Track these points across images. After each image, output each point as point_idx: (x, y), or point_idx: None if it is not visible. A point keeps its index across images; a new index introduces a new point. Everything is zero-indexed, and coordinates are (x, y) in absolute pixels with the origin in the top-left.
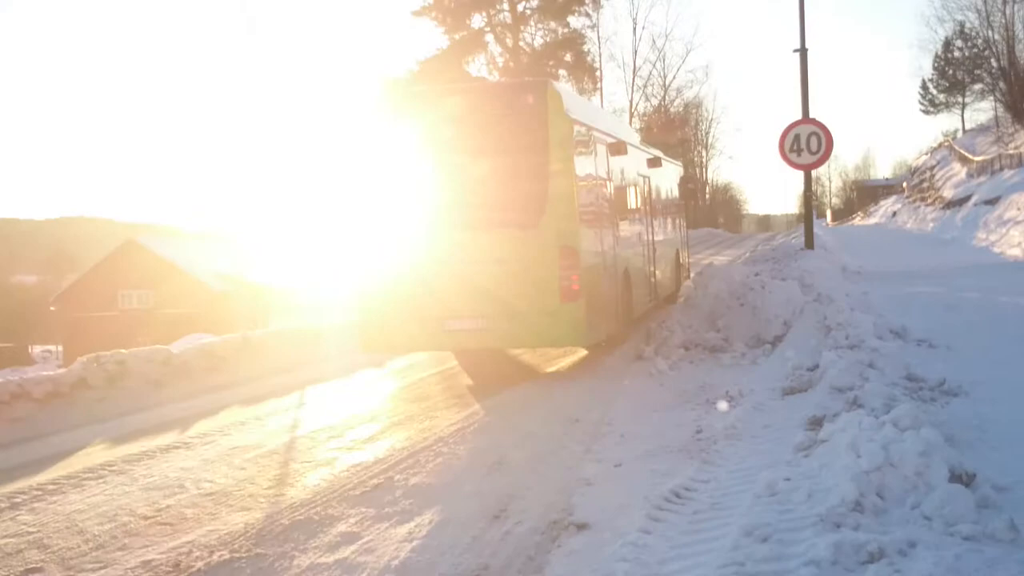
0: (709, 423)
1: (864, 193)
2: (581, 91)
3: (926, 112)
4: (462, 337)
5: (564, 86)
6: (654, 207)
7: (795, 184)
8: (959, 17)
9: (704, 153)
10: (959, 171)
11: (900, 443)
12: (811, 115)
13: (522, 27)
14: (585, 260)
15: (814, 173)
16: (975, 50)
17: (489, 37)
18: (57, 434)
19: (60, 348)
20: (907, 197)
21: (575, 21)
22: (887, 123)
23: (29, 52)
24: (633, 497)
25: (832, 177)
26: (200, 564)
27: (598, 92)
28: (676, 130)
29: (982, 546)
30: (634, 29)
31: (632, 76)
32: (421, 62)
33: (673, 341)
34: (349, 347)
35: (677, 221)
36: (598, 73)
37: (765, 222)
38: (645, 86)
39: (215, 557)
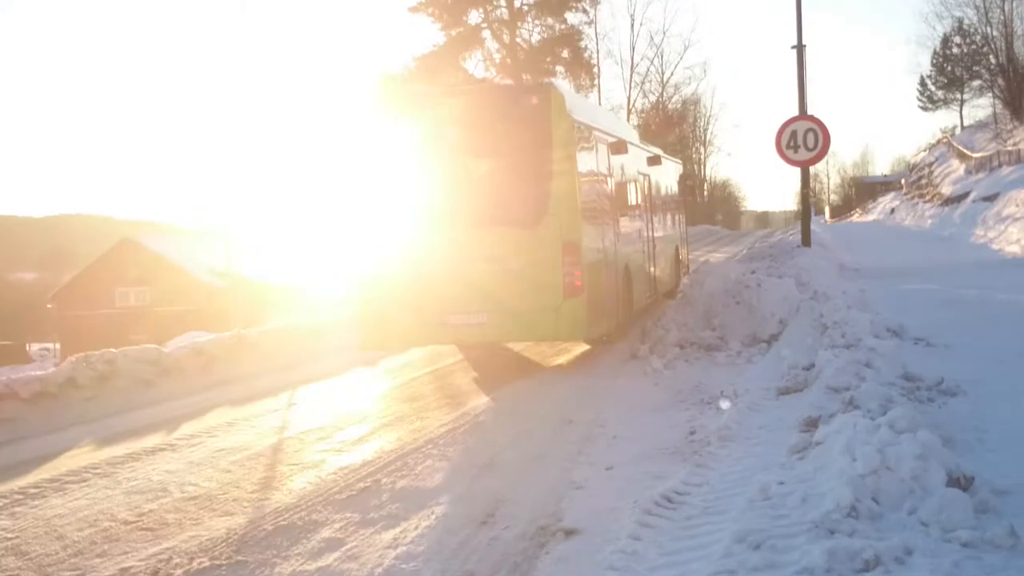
0: (703, 424)
1: (862, 190)
2: (578, 88)
3: (924, 108)
4: (466, 332)
5: (567, 87)
6: (654, 204)
7: (794, 181)
8: (957, 13)
9: (702, 150)
10: (957, 168)
11: (896, 446)
12: (808, 111)
13: (519, 23)
14: (587, 257)
15: (812, 170)
16: (973, 46)
17: (486, 33)
18: (43, 435)
19: (58, 346)
20: (905, 194)
21: (572, 17)
22: (886, 120)
23: (28, 50)
24: (624, 501)
25: (831, 174)
26: (179, 572)
27: (596, 89)
28: (674, 127)
29: (981, 553)
30: (632, 25)
31: (630, 73)
32: (417, 58)
33: (668, 339)
34: (344, 345)
35: (676, 218)
36: (596, 70)
37: (764, 219)
38: (643, 83)
39: (195, 564)
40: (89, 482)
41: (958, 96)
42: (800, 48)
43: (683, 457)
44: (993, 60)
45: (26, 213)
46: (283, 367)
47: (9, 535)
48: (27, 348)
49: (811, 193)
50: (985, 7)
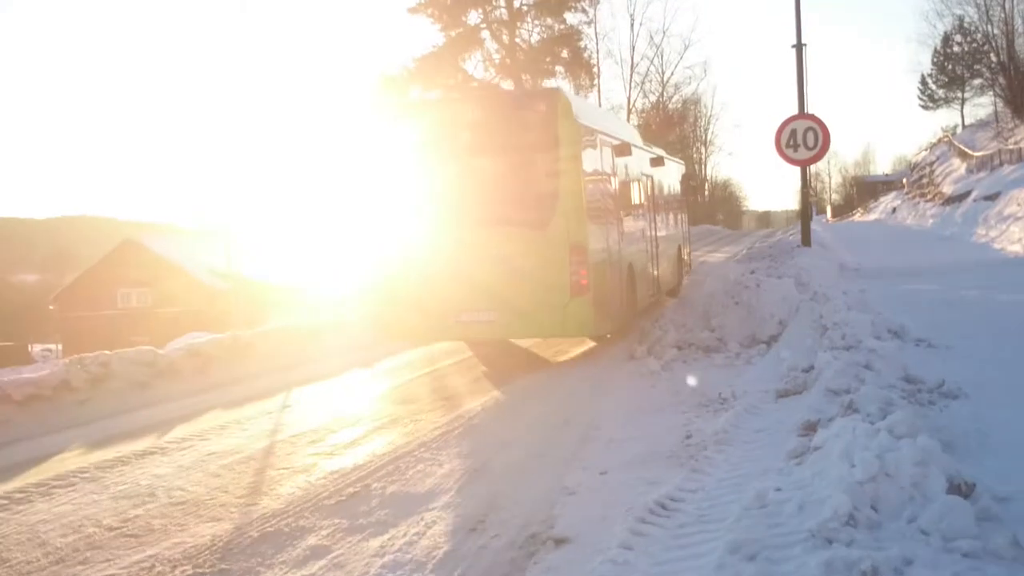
0: (699, 427)
1: (864, 189)
2: (578, 88)
3: (925, 108)
4: (477, 329)
5: (572, 93)
6: (657, 204)
7: (795, 180)
8: (958, 12)
9: (703, 150)
10: (959, 167)
11: (896, 451)
12: (809, 111)
13: (518, 24)
14: (593, 256)
15: (813, 169)
16: (974, 45)
17: (485, 34)
18: (34, 438)
19: (60, 347)
20: (907, 193)
21: (572, 17)
22: (886, 119)
23: (29, 51)
24: (617, 508)
25: (832, 173)
26: None
27: (595, 89)
28: (675, 127)
29: (983, 564)
30: (631, 25)
31: (630, 73)
32: (417, 59)
33: (666, 340)
34: (341, 346)
35: (679, 217)
36: (595, 70)
37: (765, 218)
38: (643, 82)
39: (177, 572)
40: (76, 487)
41: (959, 95)
42: (800, 47)
43: (679, 461)
44: (994, 58)
45: (28, 215)
46: (280, 368)
47: None
48: (29, 349)
49: (813, 192)
50: (986, 5)
